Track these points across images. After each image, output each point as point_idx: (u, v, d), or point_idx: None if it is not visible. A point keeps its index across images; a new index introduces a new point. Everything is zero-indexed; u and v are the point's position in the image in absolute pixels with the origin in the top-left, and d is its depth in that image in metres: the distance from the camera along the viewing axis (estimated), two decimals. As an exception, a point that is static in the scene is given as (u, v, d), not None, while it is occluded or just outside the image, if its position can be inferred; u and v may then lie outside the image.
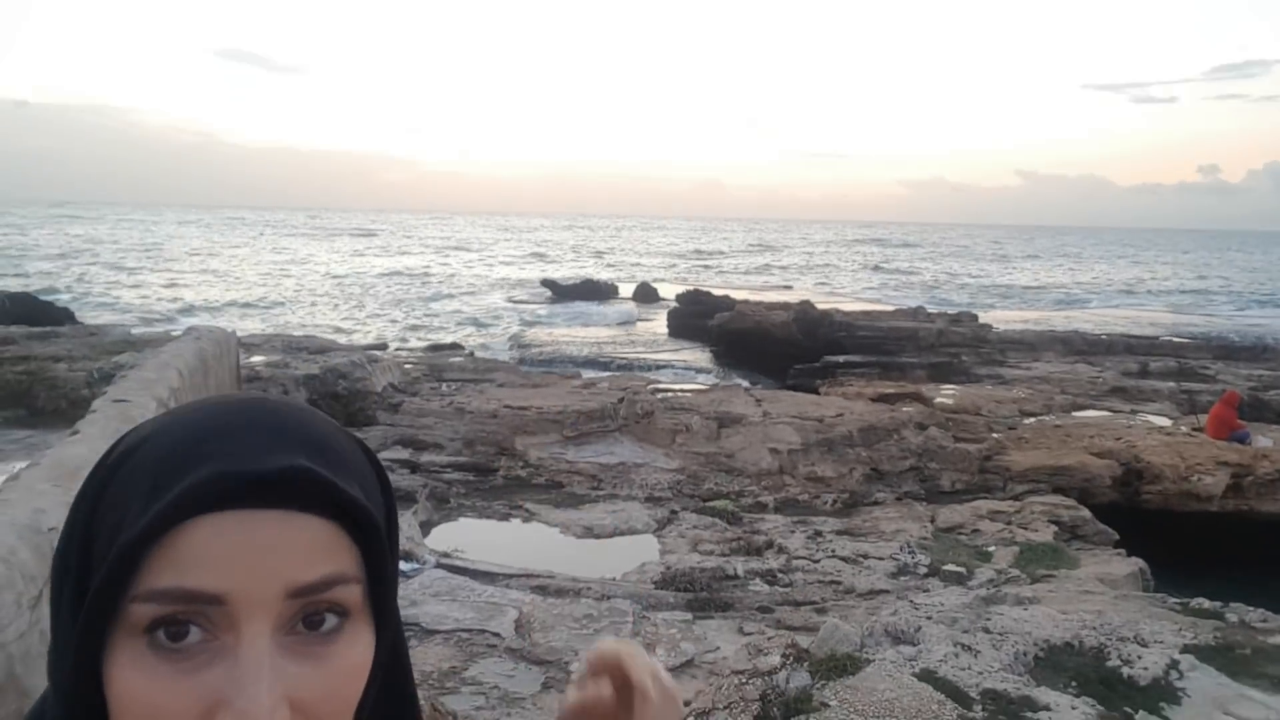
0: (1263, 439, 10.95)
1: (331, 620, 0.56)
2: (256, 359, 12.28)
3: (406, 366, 14.51)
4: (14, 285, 34.28)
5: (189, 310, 34.02)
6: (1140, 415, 13.04)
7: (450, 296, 42.18)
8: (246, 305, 36.33)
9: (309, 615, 0.55)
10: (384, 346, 23.39)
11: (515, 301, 40.69)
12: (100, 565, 0.53)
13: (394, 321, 33.47)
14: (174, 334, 19.97)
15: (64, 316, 25.95)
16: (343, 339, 25.91)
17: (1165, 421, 12.56)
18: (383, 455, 9.29)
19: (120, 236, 79.05)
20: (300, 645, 0.55)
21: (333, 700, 0.55)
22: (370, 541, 0.58)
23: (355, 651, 0.57)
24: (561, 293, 40.89)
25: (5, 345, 11.89)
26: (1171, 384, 15.25)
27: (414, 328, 32.21)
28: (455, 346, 22.57)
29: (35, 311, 24.79)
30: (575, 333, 30.42)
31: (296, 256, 63.59)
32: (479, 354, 21.54)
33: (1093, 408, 13.59)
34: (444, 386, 13.00)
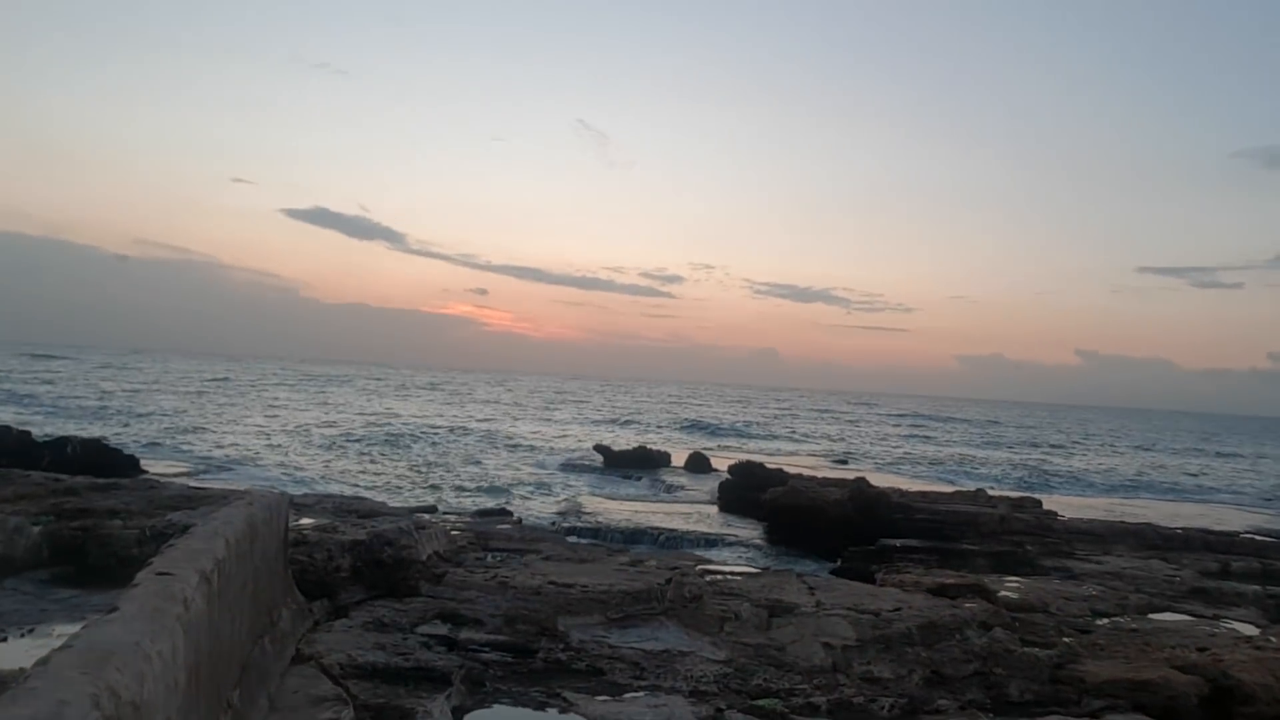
0: (1364, 657, 10.05)
1: None
2: (306, 521, 12.30)
3: (454, 533, 14.40)
4: (88, 430, 35.61)
5: (248, 462, 34.74)
6: (1224, 621, 12.17)
7: (502, 458, 42.43)
8: (303, 459, 36.96)
9: None
10: (433, 509, 23.38)
11: (567, 466, 40.71)
12: None
13: (444, 482, 33.61)
14: (233, 486, 20.31)
15: (129, 465, 26.74)
16: (393, 499, 26.05)
17: (1253, 630, 11.68)
18: (421, 630, 9.04)
19: (200, 386, 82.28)
20: None
21: None
22: None
23: None
24: (613, 459, 40.85)
25: (68, 497, 12.16)
26: (1256, 587, 14.31)
27: (464, 489, 32.29)
28: (503, 512, 22.47)
29: (102, 459, 25.62)
30: (625, 502, 30.12)
31: (361, 410, 65.16)
32: (526, 520, 21.37)
33: (1171, 609, 12.75)
34: (489, 557, 12.82)
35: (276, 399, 74.08)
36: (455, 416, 68.10)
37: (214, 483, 23.91)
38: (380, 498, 21.42)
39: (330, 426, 52.00)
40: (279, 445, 41.22)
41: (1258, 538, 21.32)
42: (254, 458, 36.13)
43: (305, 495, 16.61)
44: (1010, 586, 13.24)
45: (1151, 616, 12.21)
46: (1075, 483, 47.69)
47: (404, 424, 57.46)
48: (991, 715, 7.82)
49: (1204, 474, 58.15)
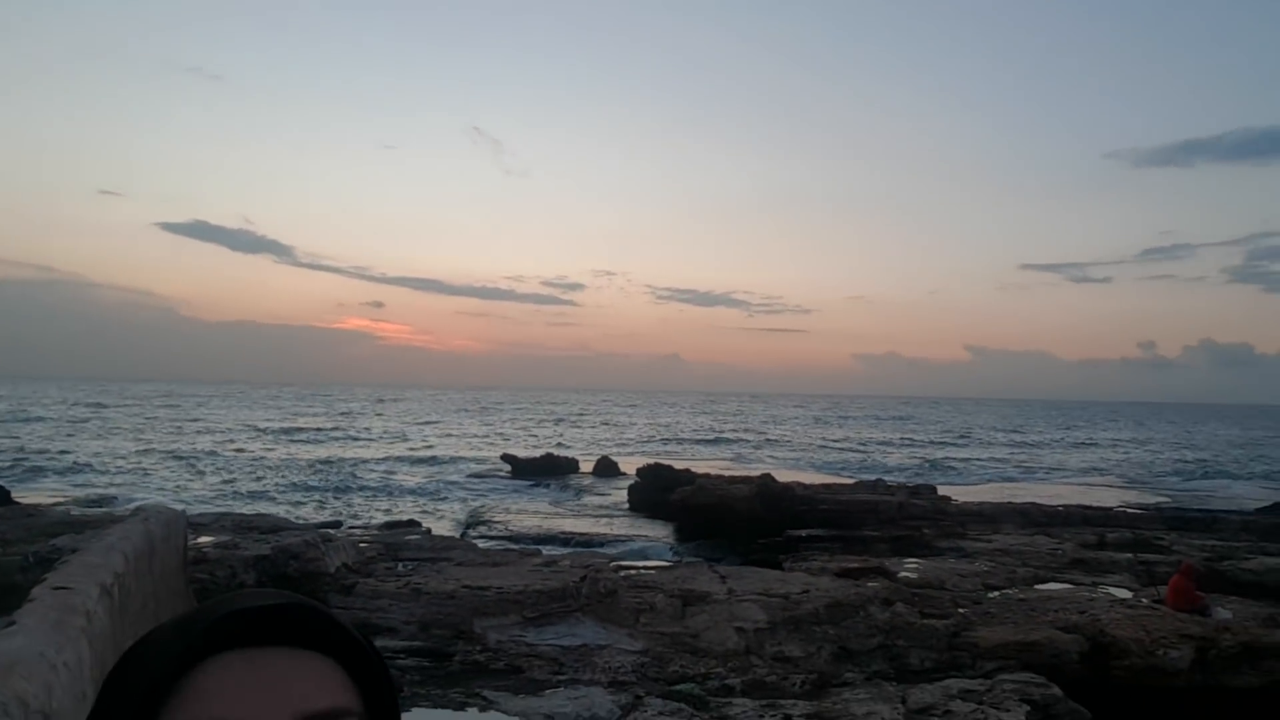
0: (1222, 611, 10.96)
1: None
2: (204, 539, 11.88)
3: (362, 545, 14.13)
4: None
5: (132, 487, 33.06)
6: (1101, 587, 13.04)
7: (408, 470, 41.62)
8: (193, 481, 35.40)
9: None
10: (338, 524, 22.80)
11: (474, 476, 40.21)
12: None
13: (348, 496, 32.76)
14: (116, 514, 19.37)
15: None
16: (295, 515, 25.23)
17: (1126, 593, 12.57)
18: (333, 640, 8.90)
19: (70, 412, 77.67)
20: None
21: None
22: (372, 683, 0.65)
23: None
24: (521, 468, 40.54)
25: (-61, 527, 11.39)
26: (1128, 555, 15.36)
27: (369, 503, 31.54)
28: (412, 524, 22.07)
29: (-29, 491, 23.90)
30: (534, 508, 30.01)
31: (254, 427, 62.73)
32: (436, 531, 21.07)
33: (1054, 580, 13.58)
34: (400, 566, 12.64)
35: (159, 421, 70.58)
36: (356, 431, 66.34)
37: (96, 511, 22.66)
38: (282, 514, 20.74)
39: (222, 446, 49.95)
40: (166, 467, 39.36)
41: (1130, 511, 22.85)
42: (138, 483, 34.37)
43: (202, 514, 16.00)
44: (909, 567, 13.86)
45: (1037, 587, 12.98)
46: (967, 470, 49.93)
47: (302, 441, 55.69)
48: (895, 683, 8.21)
49: (1082, 457, 61.73)
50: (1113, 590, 12.72)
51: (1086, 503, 24.00)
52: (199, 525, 13.37)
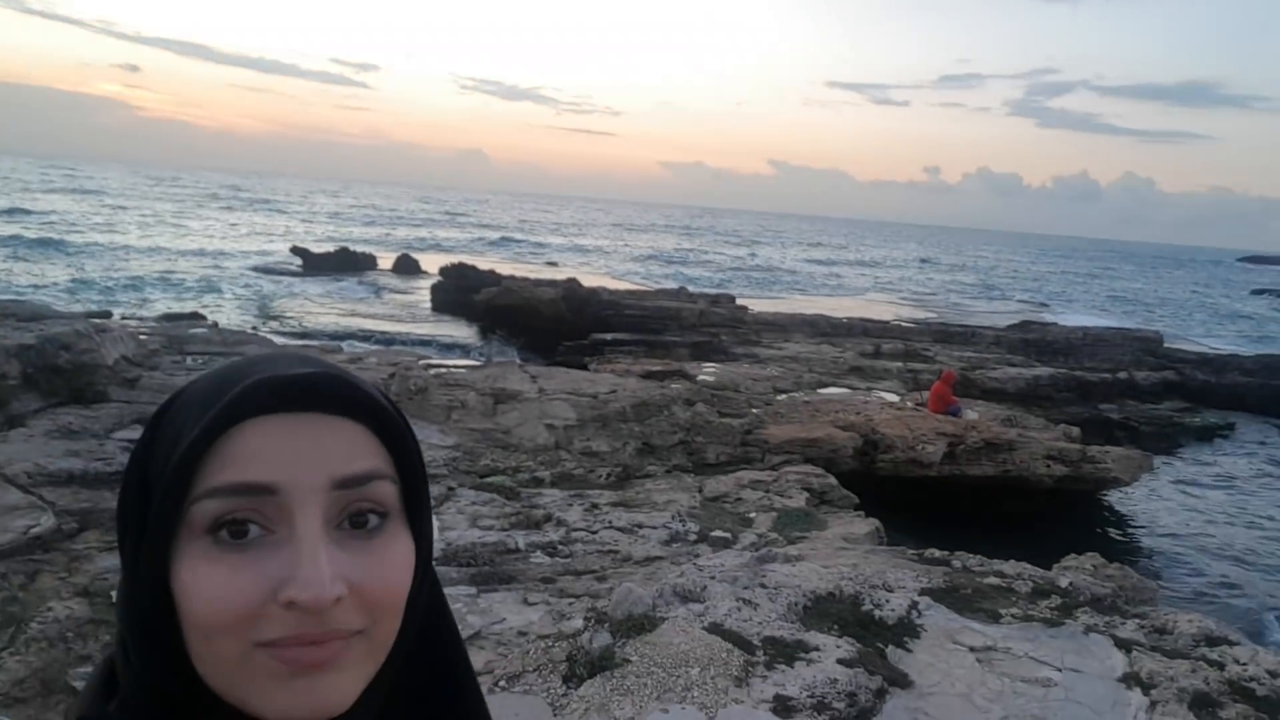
0: (971, 412, 12.61)
1: (374, 520, 0.62)
2: (-50, 326, 10.54)
3: (141, 337, 13.09)
4: None
5: None
6: (875, 392, 14.52)
7: (183, 261, 38.41)
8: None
9: (353, 515, 0.61)
10: (108, 314, 20.95)
11: (260, 270, 37.71)
12: (160, 481, 0.59)
13: (115, 285, 29.95)
14: None
15: None
16: (57, 304, 22.83)
17: (895, 397, 14.08)
18: (120, 435, 8.34)
19: None
20: (348, 540, 0.61)
21: (386, 586, 0.61)
22: (401, 447, 0.65)
23: (399, 549, 0.63)
24: (313, 263, 38.44)
25: None
26: (899, 364, 17.10)
27: (142, 293, 29.08)
28: (196, 316, 20.67)
29: None
30: (332, 305, 28.87)
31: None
32: (223, 325, 19.88)
33: (835, 385, 14.95)
34: (188, 360, 11.89)
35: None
36: (115, 213, 59.75)
37: None
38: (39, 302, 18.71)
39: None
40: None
41: (903, 325, 25.19)
42: None
43: (-59, 299, 14.11)
44: (708, 370, 14.73)
45: (820, 391, 14.25)
46: (764, 281, 52.75)
47: (48, 222, 49.46)
48: (693, 475, 8.88)
49: (867, 274, 66.81)
50: (884, 394, 14.20)
51: (867, 316, 26.14)
52: (-60, 311, 11.82)
